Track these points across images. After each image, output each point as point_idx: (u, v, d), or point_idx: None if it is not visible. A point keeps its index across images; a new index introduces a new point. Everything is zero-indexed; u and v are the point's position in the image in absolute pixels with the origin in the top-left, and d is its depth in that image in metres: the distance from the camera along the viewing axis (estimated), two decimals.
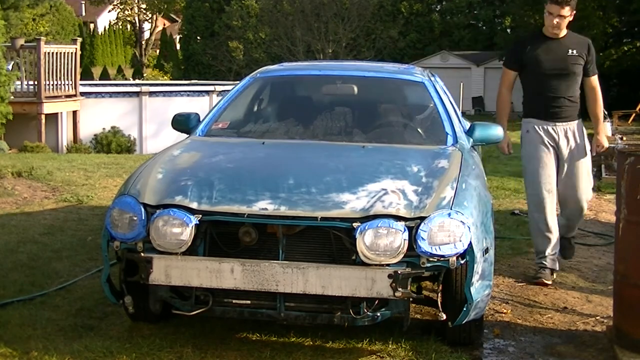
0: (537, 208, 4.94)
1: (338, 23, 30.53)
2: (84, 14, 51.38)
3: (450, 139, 4.44)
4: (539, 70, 4.92)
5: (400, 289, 3.30)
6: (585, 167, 4.99)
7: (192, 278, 3.40)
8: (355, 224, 3.36)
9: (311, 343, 3.79)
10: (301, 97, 5.36)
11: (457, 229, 3.38)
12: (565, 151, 4.93)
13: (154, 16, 48.32)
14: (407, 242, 3.34)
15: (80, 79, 16.74)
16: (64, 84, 15.33)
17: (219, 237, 3.51)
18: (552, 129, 4.93)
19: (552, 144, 4.94)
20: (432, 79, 5.12)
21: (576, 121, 4.99)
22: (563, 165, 4.95)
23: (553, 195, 4.94)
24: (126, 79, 32.15)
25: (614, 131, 14.00)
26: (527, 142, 5.00)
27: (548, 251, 4.96)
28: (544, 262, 4.96)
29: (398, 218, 3.38)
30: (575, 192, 4.97)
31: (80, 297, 4.44)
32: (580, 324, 4.24)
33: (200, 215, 3.45)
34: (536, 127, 4.96)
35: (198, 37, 37.87)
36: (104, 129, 15.83)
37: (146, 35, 48.77)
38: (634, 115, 17.97)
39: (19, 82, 14.51)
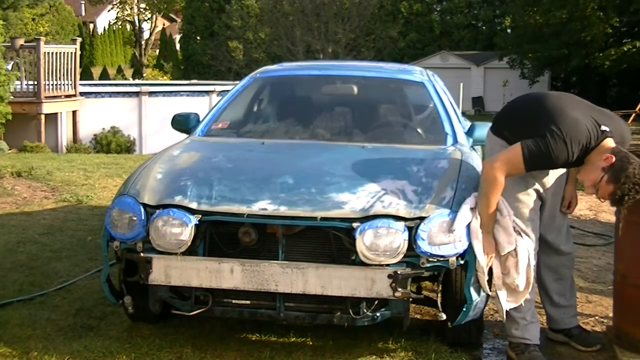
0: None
1: (338, 23, 30.56)
2: (83, 13, 51.39)
3: (450, 139, 4.43)
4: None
5: (400, 289, 3.30)
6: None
7: (192, 278, 3.40)
8: (354, 224, 3.36)
9: (311, 343, 3.79)
10: (301, 97, 5.36)
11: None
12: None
13: (154, 16, 48.31)
14: (406, 242, 3.33)
15: (80, 79, 16.72)
16: (63, 84, 15.31)
17: (218, 237, 3.51)
18: None
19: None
20: (432, 79, 5.12)
21: None
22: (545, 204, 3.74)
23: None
24: (126, 79, 32.14)
25: None
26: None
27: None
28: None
29: (398, 218, 3.38)
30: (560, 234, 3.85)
31: (79, 297, 4.44)
32: (580, 324, 4.23)
33: (200, 216, 3.45)
34: None
35: (198, 37, 37.92)
36: (103, 129, 15.82)
37: (146, 35, 48.76)
38: (634, 115, 17.97)
39: (18, 82, 14.51)
